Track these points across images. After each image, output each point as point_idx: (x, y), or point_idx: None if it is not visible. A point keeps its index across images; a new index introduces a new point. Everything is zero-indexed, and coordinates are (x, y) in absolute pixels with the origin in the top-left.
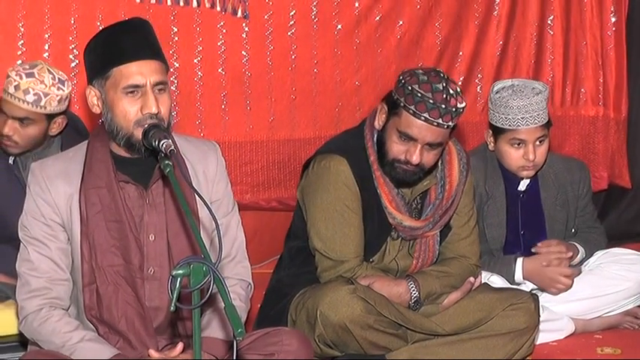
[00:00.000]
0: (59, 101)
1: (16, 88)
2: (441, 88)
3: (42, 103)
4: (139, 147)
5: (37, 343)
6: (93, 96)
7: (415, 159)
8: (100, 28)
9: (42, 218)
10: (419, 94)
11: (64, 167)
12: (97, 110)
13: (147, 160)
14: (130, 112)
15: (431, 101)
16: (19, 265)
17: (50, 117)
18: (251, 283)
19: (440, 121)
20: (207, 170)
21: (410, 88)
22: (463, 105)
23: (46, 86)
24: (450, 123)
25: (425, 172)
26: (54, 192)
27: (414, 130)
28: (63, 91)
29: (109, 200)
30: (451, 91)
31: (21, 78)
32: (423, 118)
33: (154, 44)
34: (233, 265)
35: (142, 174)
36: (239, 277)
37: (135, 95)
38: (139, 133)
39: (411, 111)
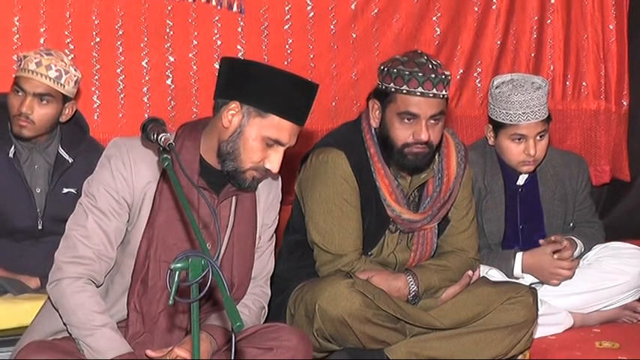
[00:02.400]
0: (75, 83)
1: (38, 64)
2: (425, 60)
3: (62, 81)
4: (236, 182)
5: (57, 309)
6: (235, 114)
7: (424, 136)
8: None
9: (114, 193)
10: (407, 72)
11: (150, 155)
12: (226, 124)
13: (224, 176)
14: (256, 157)
15: (420, 74)
16: (71, 226)
17: (64, 100)
18: (266, 307)
19: (435, 91)
20: (268, 196)
21: (395, 70)
22: (449, 73)
23: (66, 64)
24: (444, 92)
25: (434, 152)
26: (135, 173)
27: (414, 107)
28: (78, 73)
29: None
30: (435, 62)
31: (42, 56)
32: (418, 93)
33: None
34: (253, 285)
35: (218, 185)
36: (255, 296)
37: (269, 146)
38: (249, 175)
39: (404, 91)
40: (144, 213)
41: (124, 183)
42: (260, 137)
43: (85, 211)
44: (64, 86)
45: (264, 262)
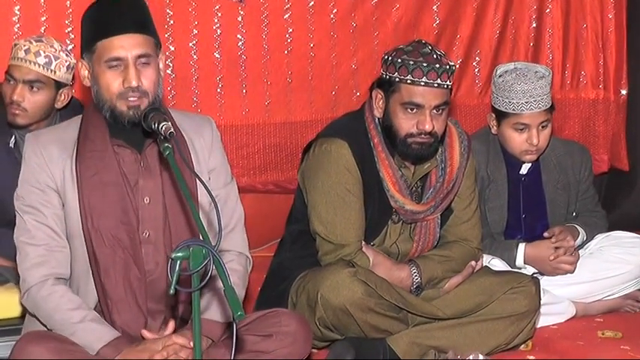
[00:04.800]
0: (67, 68)
1: (27, 51)
2: (429, 51)
3: (52, 67)
4: (123, 120)
5: (37, 318)
6: (84, 69)
7: (428, 126)
8: None
9: (37, 184)
10: (411, 62)
11: (59, 135)
12: (87, 83)
13: (140, 126)
14: (112, 85)
15: (424, 64)
16: (16, 236)
17: (58, 86)
18: (249, 256)
19: (439, 81)
20: (203, 140)
21: (400, 60)
22: (453, 63)
23: (56, 50)
24: (448, 82)
25: (439, 142)
26: (48, 158)
27: (418, 97)
28: (70, 58)
29: (105, 164)
30: (439, 52)
31: (31, 43)
32: (422, 82)
33: (139, 17)
34: (231, 236)
35: (137, 139)
36: (237, 249)
37: (117, 69)
38: (122, 106)
39: (408, 81)
40: (70, 192)
41: (40, 170)
42: (103, 68)
43: (21, 214)
44: (55, 72)
45: (232, 209)
